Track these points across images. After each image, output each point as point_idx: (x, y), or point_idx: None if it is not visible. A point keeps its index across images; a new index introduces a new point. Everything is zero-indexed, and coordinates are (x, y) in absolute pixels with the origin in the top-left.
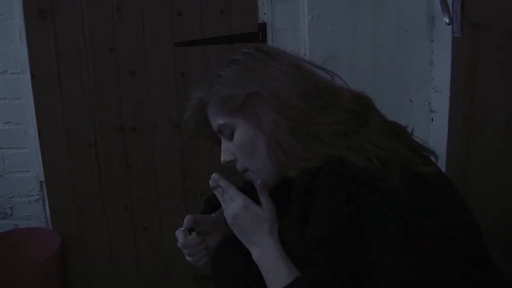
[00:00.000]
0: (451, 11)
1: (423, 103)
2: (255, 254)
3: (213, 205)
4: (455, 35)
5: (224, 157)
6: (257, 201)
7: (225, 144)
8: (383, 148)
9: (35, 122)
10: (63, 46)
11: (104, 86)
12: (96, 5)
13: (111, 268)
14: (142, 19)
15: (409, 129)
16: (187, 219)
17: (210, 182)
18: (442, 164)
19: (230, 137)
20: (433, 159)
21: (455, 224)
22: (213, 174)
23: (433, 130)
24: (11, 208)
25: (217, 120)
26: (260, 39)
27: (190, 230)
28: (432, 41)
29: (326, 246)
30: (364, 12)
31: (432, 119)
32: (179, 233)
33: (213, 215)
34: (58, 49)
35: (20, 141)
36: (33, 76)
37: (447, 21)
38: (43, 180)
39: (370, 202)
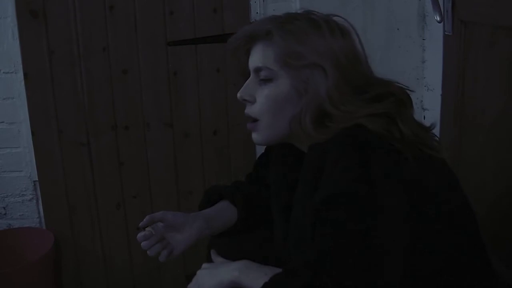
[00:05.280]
0: (442, 9)
1: (415, 101)
2: (235, 274)
3: (211, 200)
4: (446, 33)
5: (243, 94)
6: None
7: (251, 83)
8: (407, 125)
9: (28, 122)
10: (55, 45)
11: (96, 85)
12: (88, 4)
13: (104, 267)
14: (134, 18)
15: None
16: (145, 218)
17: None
18: None
19: (263, 82)
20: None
21: (456, 204)
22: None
23: None
24: (4, 208)
25: (264, 60)
26: None
27: (145, 227)
28: (423, 39)
29: (334, 205)
30: (355, 11)
31: (424, 116)
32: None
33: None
34: (51, 48)
35: (13, 141)
36: (26, 75)
37: (438, 19)
38: (37, 179)
39: (381, 164)
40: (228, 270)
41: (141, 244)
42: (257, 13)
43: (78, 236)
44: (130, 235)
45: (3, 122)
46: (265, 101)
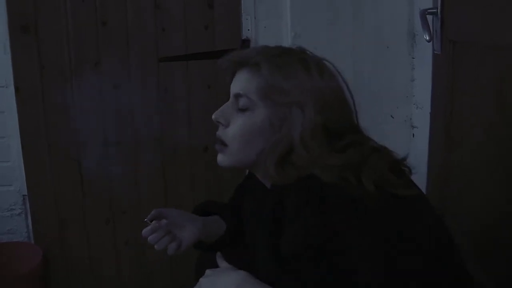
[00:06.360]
0: (431, 29)
1: (404, 119)
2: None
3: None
4: (435, 52)
5: (218, 116)
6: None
7: (228, 107)
8: (372, 171)
9: (18, 136)
10: (47, 60)
11: (88, 100)
12: (80, 19)
13: (93, 282)
14: (126, 34)
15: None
16: (152, 212)
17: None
18: (423, 178)
19: (242, 109)
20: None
21: (428, 240)
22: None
23: (414, 145)
24: None
25: (245, 89)
26: None
27: (151, 221)
28: (413, 57)
29: (301, 258)
30: (346, 29)
31: (413, 134)
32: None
33: None
34: (42, 63)
35: (3, 155)
36: (17, 90)
37: (427, 38)
38: (26, 194)
39: (341, 209)
40: (226, 284)
41: (148, 238)
42: (248, 30)
43: (67, 251)
44: (119, 250)
45: None
46: (238, 130)
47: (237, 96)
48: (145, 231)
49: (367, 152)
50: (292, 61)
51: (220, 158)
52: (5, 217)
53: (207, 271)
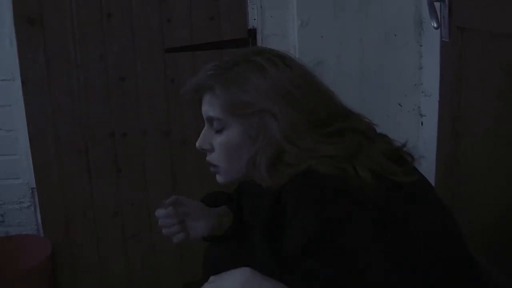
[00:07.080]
0: (439, 16)
1: (413, 107)
2: (237, 286)
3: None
4: (443, 39)
5: (201, 144)
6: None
7: (207, 132)
8: (369, 159)
9: (26, 129)
10: (53, 53)
11: (94, 92)
12: (85, 11)
13: (101, 275)
14: (132, 26)
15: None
16: (171, 198)
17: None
18: (431, 166)
19: (217, 131)
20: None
21: (431, 230)
22: None
23: (423, 134)
24: (2, 215)
25: (214, 111)
26: (250, 45)
27: (168, 206)
28: (420, 45)
29: (306, 254)
30: (353, 17)
31: (422, 123)
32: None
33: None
34: (48, 56)
35: (11, 148)
36: (23, 83)
37: (435, 25)
38: (34, 186)
39: (340, 206)
40: (232, 284)
41: (160, 221)
42: (254, 19)
43: (75, 244)
44: (127, 242)
45: (0, 129)
46: (220, 150)
47: (209, 120)
48: (159, 212)
49: (360, 139)
50: (244, 69)
51: (218, 177)
52: (14, 210)
53: (211, 278)
